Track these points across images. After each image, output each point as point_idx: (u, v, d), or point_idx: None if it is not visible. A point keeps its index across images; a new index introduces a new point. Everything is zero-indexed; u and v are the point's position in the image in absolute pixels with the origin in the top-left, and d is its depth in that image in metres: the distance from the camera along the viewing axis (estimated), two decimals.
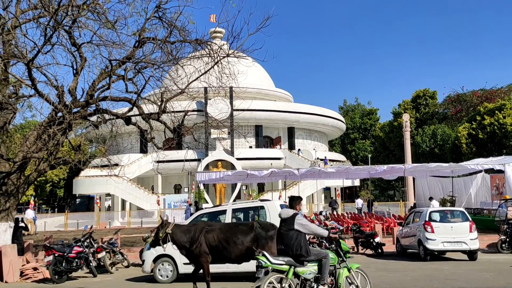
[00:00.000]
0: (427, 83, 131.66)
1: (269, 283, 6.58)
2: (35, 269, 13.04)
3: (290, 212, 6.95)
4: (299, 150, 47.07)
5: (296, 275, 6.67)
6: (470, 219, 14.74)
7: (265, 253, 6.83)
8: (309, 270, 6.73)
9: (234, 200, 36.64)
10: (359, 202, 32.23)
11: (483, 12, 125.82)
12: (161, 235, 9.17)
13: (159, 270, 11.58)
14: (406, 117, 37.09)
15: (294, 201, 7.10)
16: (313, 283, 6.72)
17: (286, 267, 6.64)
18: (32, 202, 35.16)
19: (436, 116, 57.50)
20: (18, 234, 15.99)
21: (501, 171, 22.56)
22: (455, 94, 57.34)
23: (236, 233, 8.93)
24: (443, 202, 24.28)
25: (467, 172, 25.71)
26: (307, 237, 8.69)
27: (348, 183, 41.23)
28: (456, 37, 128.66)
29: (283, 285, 6.58)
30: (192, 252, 8.99)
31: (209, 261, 8.97)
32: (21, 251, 15.20)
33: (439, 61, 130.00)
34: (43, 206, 60.21)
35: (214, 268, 11.30)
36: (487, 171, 25.23)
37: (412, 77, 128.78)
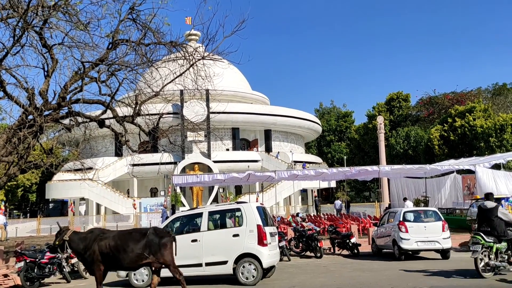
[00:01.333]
0: (401, 86, 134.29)
1: (481, 253, 10.10)
2: (5, 275, 12.66)
3: (493, 204, 10.32)
4: (278, 153, 47.24)
5: (496, 249, 10.06)
6: (443, 218, 15.05)
7: (481, 233, 10.11)
8: (504, 246, 10.18)
9: (212, 203, 36.46)
10: (338, 203, 32.53)
11: (455, 14, 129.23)
12: (57, 242, 9.37)
13: (134, 274, 11.41)
14: (380, 119, 37.65)
15: (491, 195, 10.81)
16: (504, 255, 10.16)
17: (492, 244, 10.06)
18: (2, 207, 34.12)
19: (409, 118, 58.62)
20: None
21: (472, 172, 23.14)
22: (427, 97, 58.61)
23: (127, 240, 9.04)
24: (416, 203, 24.72)
25: (440, 173, 26.28)
26: None
27: (324, 184, 41.60)
28: (427, 40, 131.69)
29: (489, 256, 10.12)
30: (86, 260, 9.15)
31: (101, 269, 9.04)
32: None
33: (412, 64, 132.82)
34: (14, 211, 58.56)
35: (190, 271, 11.26)
36: (459, 171, 25.84)
37: (386, 80, 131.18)
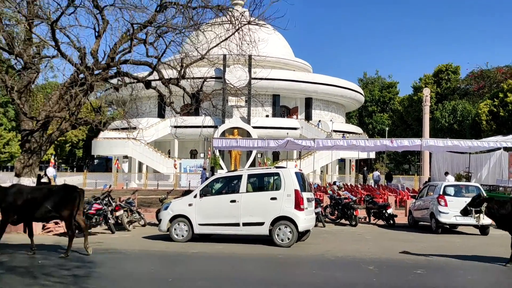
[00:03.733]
0: (451, 58, 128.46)
1: None
2: (56, 223, 13.61)
3: None
4: (319, 121, 46.94)
5: None
6: (485, 194, 14.75)
7: None
8: None
9: (249, 167, 37.04)
10: (376, 174, 32.28)
11: None
12: None
13: (175, 229, 11.99)
14: (426, 91, 36.47)
15: None
16: None
17: None
18: (52, 160, 36.09)
19: (457, 92, 56.37)
20: None
21: None
22: (478, 70, 55.89)
23: (37, 195, 9.85)
24: (458, 178, 24.21)
25: (486, 149, 25.45)
26: None
27: (363, 155, 41.21)
28: (482, 11, 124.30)
29: None
30: (3, 209, 10.00)
31: (9, 220, 9.94)
32: None
33: (464, 36, 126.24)
34: (62, 165, 61.75)
35: (227, 230, 11.73)
36: (506, 149, 24.93)
37: (435, 51, 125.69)
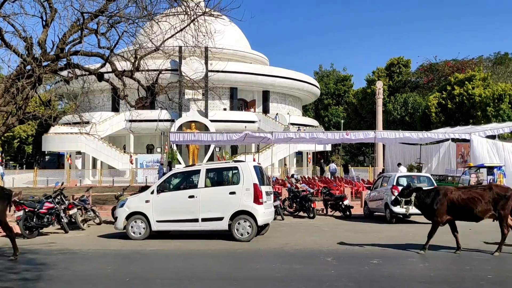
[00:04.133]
0: (402, 52, 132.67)
1: None
2: None
3: None
4: (277, 114, 47.18)
5: None
6: (436, 184, 15.32)
7: None
8: None
9: (207, 162, 36.76)
10: (332, 166, 32.86)
11: None
12: None
13: (131, 227, 11.69)
14: (379, 84, 37.47)
15: None
16: None
17: None
18: None
19: (408, 85, 58.34)
20: None
21: (467, 140, 23.35)
22: (428, 64, 58.09)
23: None
24: (410, 168, 25.05)
25: (435, 140, 26.50)
26: None
27: (320, 148, 41.88)
28: (432, 5, 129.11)
29: None
30: None
31: None
32: None
33: (415, 31, 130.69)
34: (10, 162, 58.87)
35: (186, 226, 11.57)
36: (454, 140, 26.06)
37: (387, 45, 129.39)
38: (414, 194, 10.25)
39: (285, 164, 42.64)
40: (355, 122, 59.88)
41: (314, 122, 54.27)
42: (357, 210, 17.72)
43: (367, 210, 17.07)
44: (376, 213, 16.55)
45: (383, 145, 31.78)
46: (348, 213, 16.65)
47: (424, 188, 10.88)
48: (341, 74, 76.78)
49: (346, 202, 16.76)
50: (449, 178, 22.84)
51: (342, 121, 60.75)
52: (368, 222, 15.46)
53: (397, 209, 14.58)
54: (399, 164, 24.64)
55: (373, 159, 44.28)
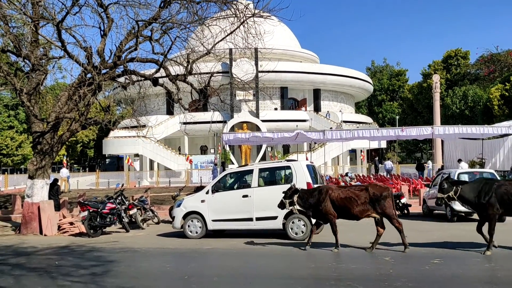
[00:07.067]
0: (460, 43, 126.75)
1: None
2: (71, 223, 13.71)
3: None
4: (328, 112, 46.70)
5: None
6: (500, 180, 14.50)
7: None
8: None
9: (260, 161, 37.00)
10: (388, 163, 32.01)
11: None
12: None
13: (188, 226, 12.00)
14: (436, 78, 36.04)
15: None
16: None
17: None
18: (64, 161, 36.42)
19: (467, 77, 55.68)
20: (54, 191, 16.71)
21: None
22: (488, 54, 55.10)
23: None
24: (472, 165, 23.91)
25: (498, 134, 25.06)
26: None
27: (374, 145, 40.95)
28: None
29: None
30: None
31: None
32: (57, 207, 15.97)
33: (473, 20, 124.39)
34: (74, 165, 62.32)
35: (240, 225, 11.72)
36: None
37: (444, 37, 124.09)
38: (296, 195, 9.87)
39: (338, 163, 42.09)
40: (411, 117, 57.99)
41: (368, 119, 53.15)
42: (416, 208, 17.15)
43: (426, 208, 16.48)
44: (436, 211, 15.94)
45: (442, 141, 30.53)
46: (406, 211, 16.17)
47: (306, 189, 10.35)
48: (394, 69, 74.65)
49: (403, 200, 16.28)
50: None
51: (397, 117, 59.01)
52: (428, 220, 14.91)
53: (459, 207, 14.00)
54: (459, 160, 23.58)
55: (431, 156, 42.61)
